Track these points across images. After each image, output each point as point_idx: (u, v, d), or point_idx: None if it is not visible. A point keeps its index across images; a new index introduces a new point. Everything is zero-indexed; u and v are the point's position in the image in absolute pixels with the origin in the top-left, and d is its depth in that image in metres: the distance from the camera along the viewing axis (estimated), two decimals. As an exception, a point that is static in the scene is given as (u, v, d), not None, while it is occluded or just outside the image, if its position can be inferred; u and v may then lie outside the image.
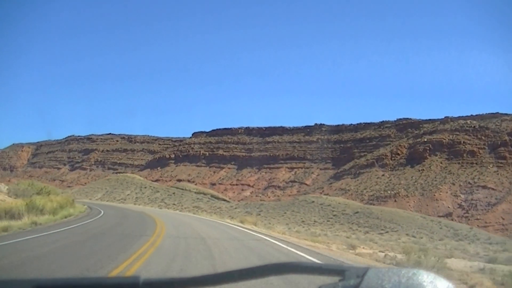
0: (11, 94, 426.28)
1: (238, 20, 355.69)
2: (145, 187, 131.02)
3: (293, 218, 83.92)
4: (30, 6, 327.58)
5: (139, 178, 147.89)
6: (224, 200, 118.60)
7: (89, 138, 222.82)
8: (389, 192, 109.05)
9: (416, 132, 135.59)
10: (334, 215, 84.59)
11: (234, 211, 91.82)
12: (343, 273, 1.41)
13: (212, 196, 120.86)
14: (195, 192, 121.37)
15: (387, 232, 71.02)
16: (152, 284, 1.55)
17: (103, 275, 8.54)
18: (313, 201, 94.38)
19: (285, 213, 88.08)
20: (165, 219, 36.85)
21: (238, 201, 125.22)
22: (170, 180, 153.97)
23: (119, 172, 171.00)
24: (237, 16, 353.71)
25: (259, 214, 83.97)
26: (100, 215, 37.21)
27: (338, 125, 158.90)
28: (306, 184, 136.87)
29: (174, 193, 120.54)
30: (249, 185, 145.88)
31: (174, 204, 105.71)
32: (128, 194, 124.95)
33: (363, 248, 26.69)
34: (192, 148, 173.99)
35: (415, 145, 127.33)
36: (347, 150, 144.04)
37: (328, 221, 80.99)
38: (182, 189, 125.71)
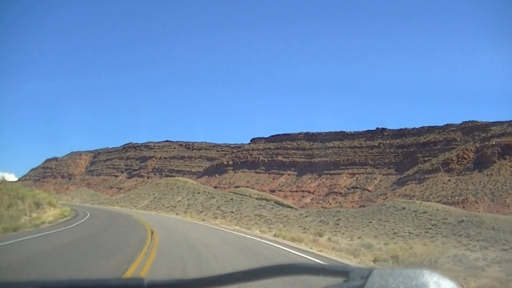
0: (68, 102, 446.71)
1: (298, 32, 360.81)
2: (199, 192, 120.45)
3: (382, 228, 71.31)
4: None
5: (192, 182, 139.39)
6: (290, 207, 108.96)
7: (146, 146, 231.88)
8: (456, 198, 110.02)
9: (483, 135, 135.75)
10: (432, 225, 71.40)
11: (305, 220, 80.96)
12: (347, 274, 1.46)
13: (276, 202, 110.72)
14: (257, 198, 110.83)
15: (512, 248, 57.29)
16: (156, 286, 1.59)
17: None
18: (404, 208, 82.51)
19: (370, 222, 75.52)
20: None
21: (300, 207, 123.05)
22: (228, 187, 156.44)
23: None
24: (299, 28, 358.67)
25: (337, 224, 74.68)
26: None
27: (401, 129, 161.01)
28: (368, 190, 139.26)
29: (232, 199, 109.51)
30: (309, 192, 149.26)
31: (232, 212, 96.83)
32: (178, 201, 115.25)
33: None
34: (251, 154, 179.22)
35: (482, 148, 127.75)
36: (410, 154, 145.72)
37: (426, 232, 67.62)
38: (242, 194, 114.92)
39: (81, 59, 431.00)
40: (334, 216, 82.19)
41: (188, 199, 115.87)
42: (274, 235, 33.37)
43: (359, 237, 53.43)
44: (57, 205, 48.58)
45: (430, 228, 69.51)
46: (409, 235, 64.31)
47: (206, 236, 26.86)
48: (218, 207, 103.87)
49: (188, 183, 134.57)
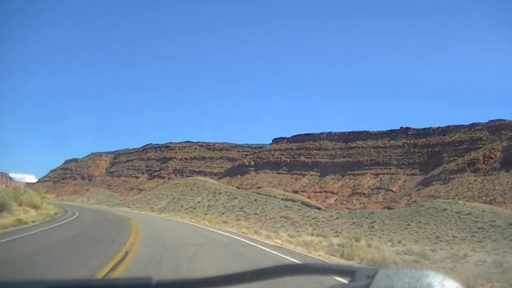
0: (87, 102, 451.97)
1: (318, 30, 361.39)
2: (220, 193, 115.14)
3: (422, 232, 65.09)
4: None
5: (213, 182, 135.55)
6: (317, 208, 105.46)
7: (167, 146, 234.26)
8: (484, 198, 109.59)
9: (510, 134, 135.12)
10: (479, 228, 65.56)
11: (336, 222, 75.38)
12: (353, 274, 1.48)
13: (303, 203, 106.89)
14: (282, 199, 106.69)
15: None
16: (164, 285, 1.61)
17: None
18: (445, 209, 77.06)
19: (408, 225, 69.62)
20: None
21: (324, 208, 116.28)
22: (250, 188, 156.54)
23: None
24: (320, 26, 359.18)
25: (372, 227, 69.84)
26: None
27: (425, 128, 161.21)
28: (392, 190, 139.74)
29: (256, 199, 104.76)
30: (332, 193, 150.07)
31: (255, 213, 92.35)
32: (198, 202, 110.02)
33: None
34: (273, 154, 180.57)
35: (510, 147, 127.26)
36: (435, 154, 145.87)
37: (472, 236, 61.68)
38: (266, 195, 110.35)
39: (101, 56, 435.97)
40: (367, 218, 76.66)
41: (208, 200, 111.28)
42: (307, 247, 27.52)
43: (399, 242, 50.24)
44: (43, 207, 42.44)
45: (476, 232, 63.95)
46: (453, 239, 59.59)
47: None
48: (241, 208, 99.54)
49: (209, 183, 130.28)
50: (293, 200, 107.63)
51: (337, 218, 78.51)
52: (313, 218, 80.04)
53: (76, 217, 41.32)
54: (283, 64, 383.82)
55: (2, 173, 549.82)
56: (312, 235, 51.38)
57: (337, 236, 53.40)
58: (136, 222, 37.49)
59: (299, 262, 15.23)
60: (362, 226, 69.67)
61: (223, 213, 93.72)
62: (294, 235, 43.01)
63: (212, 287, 1.62)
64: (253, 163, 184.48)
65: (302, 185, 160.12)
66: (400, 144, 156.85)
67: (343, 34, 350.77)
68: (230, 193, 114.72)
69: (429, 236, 61.82)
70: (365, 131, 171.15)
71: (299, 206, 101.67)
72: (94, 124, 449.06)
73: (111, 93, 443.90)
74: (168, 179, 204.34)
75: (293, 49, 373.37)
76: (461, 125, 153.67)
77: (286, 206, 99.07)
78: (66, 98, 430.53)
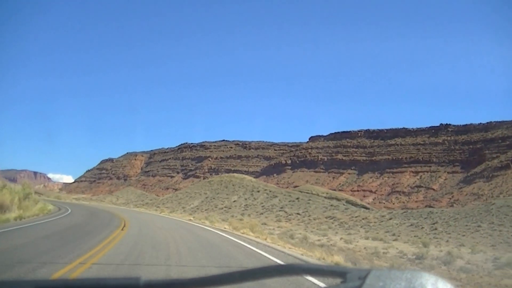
0: (123, 104, 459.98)
1: (358, 33, 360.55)
2: (258, 191, 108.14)
3: (498, 235, 54.96)
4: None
5: (250, 179, 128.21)
6: (364, 207, 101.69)
7: (202, 145, 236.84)
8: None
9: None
10: None
11: (389, 223, 67.88)
12: (344, 275, 1.47)
13: (348, 201, 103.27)
14: (325, 197, 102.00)
15: None
16: (152, 286, 1.59)
17: None
18: None
19: (479, 226, 60.43)
20: None
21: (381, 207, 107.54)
22: (287, 187, 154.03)
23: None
24: (361, 30, 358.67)
25: (435, 229, 61.54)
26: None
27: (466, 125, 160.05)
28: (433, 189, 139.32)
29: (298, 198, 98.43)
30: (371, 191, 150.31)
31: (298, 213, 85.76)
32: (234, 201, 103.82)
33: None
34: (310, 153, 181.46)
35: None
36: (477, 151, 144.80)
37: None
38: (308, 193, 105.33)
39: (130, 57, 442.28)
40: (426, 218, 68.91)
41: (245, 199, 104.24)
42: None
43: (474, 247, 42.51)
44: (25, 207, 30.29)
45: None
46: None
47: None
48: (281, 208, 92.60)
49: (246, 180, 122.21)
50: (337, 199, 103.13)
51: (390, 219, 71.09)
52: (363, 219, 72.99)
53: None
54: (318, 64, 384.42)
55: (41, 173, 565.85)
56: (367, 238, 48.16)
57: (395, 239, 49.46)
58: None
59: None
60: (422, 227, 62.62)
61: (261, 214, 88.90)
62: (349, 240, 40.48)
63: (201, 287, 1.63)
64: (289, 161, 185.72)
65: (340, 183, 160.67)
66: (440, 141, 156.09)
67: (379, 37, 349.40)
68: (269, 191, 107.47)
69: (508, 240, 51.74)
70: (403, 128, 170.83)
71: (344, 205, 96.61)
72: (129, 124, 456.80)
73: (147, 93, 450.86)
74: (203, 178, 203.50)
75: (330, 50, 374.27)
76: (504, 121, 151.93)
77: (331, 205, 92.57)
78: (103, 98, 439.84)
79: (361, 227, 65.21)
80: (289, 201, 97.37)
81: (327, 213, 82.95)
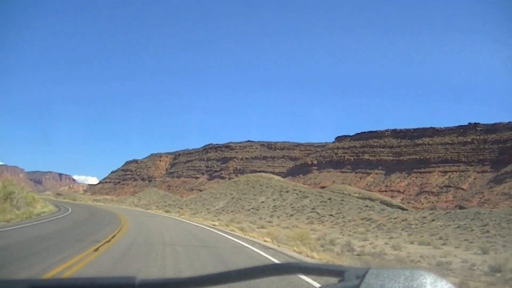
0: (146, 105, 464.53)
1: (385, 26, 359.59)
2: (287, 191, 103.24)
3: None
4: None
5: (278, 179, 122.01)
6: (401, 207, 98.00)
7: (227, 146, 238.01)
8: None
9: None
10: None
11: (433, 225, 62.00)
12: (342, 274, 1.47)
13: (382, 202, 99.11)
14: (358, 197, 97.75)
15: None
16: (148, 285, 1.58)
17: None
18: None
19: None
20: None
21: (417, 208, 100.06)
22: (314, 188, 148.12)
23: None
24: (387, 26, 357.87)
25: (487, 231, 54.82)
26: None
27: (495, 124, 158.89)
28: (462, 189, 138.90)
29: (330, 198, 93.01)
30: (399, 191, 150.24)
31: (331, 215, 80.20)
32: (262, 202, 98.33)
33: None
34: (336, 153, 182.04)
35: None
36: (507, 150, 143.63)
37: None
38: (340, 193, 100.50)
39: (161, 62, 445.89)
40: (473, 219, 62.85)
41: (274, 200, 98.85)
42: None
43: None
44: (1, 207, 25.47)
45: None
46: None
47: None
48: (312, 209, 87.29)
49: (274, 180, 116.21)
50: (370, 199, 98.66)
51: (432, 220, 65.51)
52: (402, 221, 67.83)
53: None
54: (344, 65, 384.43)
55: (66, 175, 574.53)
56: (412, 243, 43.52)
57: (444, 244, 44.25)
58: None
59: None
60: (472, 230, 56.47)
61: (291, 215, 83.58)
62: (396, 245, 36.19)
63: (197, 287, 1.62)
64: (315, 162, 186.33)
65: (367, 184, 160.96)
66: (469, 140, 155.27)
67: (406, 36, 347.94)
68: (299, 192, 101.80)
69: None
70: (431, 127, 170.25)
71: (379, 205, 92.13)
72: (154, 125, 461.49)
73: (172, 96, 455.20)
74: (229, 179, 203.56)
75: (354, 51, 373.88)
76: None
77: (366, 206, 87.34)
78: (128, 100, 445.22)
79: (402, 229, 60.61)
80: (321, 202, 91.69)
81: (363, 214, 77.68)
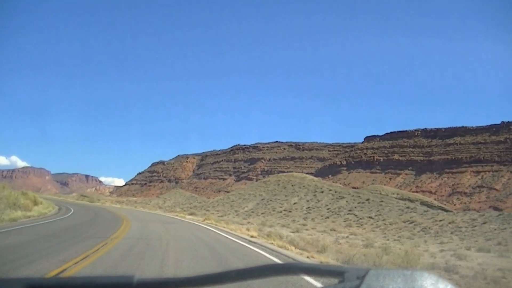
0: (175, 107, 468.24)
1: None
2: (322, 191, 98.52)
3: None
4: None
5: (312, 178, 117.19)
6: (442, 208, 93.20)
7: (255, 147, 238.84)
8: None
9: None
10: None
11: (485, 228, 56.28)
12: (342, 275, 1.46)
13: (422, 203, 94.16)
14: (397, 198, 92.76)
15: None
16: (146, 284, 1.58)
17: None
18: None
19: None
20: None
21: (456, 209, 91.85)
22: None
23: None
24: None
25: None
26: None
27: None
28: (495, 189, 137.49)
29: (368, 199, 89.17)
30: (430, 192, 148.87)
31: (370, 217, 76.79)
32: (294, 203, 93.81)
33: None
34: (365, 153, 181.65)
35: None
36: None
37: None
38: (378, 193, 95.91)
39: (183, 64, 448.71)
40: None
41: (307, 201, 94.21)
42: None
43: None
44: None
45: None
46: None
47: None
48: (349, 210, 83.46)
49: (307, 179, 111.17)
50: (410, 200, 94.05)
51: (484, 223, 59.74)
52: (449, 223, 63.18)
53: None
54: (374, 64, 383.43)
55: (92, 177, 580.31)
56: (469, 249, 36.80)
57: (507, 250, 37.46)
58: None
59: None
60: None
61: (327, 217, 79.50)
62: (462, 255, 28.62)
63: (195, 287, 1.60)
64: (344, 162, 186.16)
65: (397, 184, 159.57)
66: (502, 139, 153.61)
67: (435, 37, 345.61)
68: (335, 192, 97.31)
69: None
70: (463, 126, 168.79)
71: (420, 206, 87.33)
72: (181, 126, 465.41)
73: (200, 97, 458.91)
74: (256, 180, 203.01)
75: (384, 50, 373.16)
76: None
77: (407, 207, 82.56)
78: (155, 102, 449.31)
79: (451, 233, 55.56)
80: (358, 203, 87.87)
81: (404, 217, 73.38)
